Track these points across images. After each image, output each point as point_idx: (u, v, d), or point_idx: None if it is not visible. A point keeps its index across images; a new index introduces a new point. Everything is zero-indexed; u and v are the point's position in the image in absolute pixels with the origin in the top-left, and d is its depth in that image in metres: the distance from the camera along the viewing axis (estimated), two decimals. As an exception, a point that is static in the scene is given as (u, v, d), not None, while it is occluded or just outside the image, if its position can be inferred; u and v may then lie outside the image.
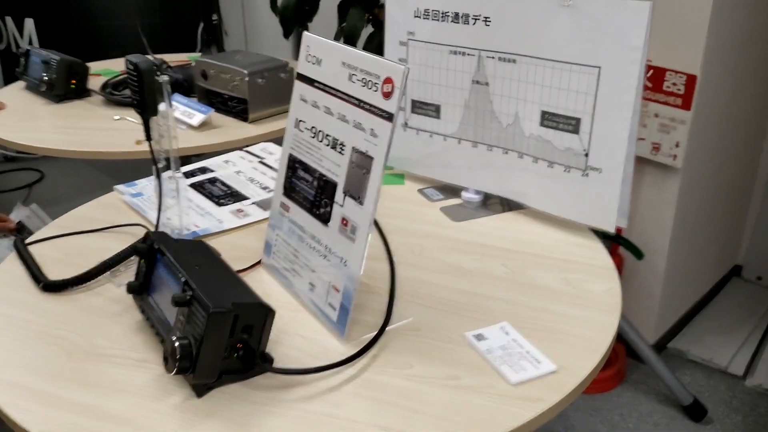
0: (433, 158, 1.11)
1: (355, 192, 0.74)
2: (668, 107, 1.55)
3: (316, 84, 0.81)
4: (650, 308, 1.82)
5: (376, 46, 2.27)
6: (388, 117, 0.70)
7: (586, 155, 0.93)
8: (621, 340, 1.72)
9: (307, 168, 0.82)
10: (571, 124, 0.93)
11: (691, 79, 1.50)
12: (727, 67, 1.65)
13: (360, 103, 0.74)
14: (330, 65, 0.79)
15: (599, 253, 0.93)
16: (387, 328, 0.78)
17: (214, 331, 0.66)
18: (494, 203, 1.07)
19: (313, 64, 0.81)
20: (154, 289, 0.77)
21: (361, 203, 0.73)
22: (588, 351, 0.74)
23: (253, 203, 1.08)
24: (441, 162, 1.10)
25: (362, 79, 0.73)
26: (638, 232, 1.75)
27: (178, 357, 0.65)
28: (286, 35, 2.22)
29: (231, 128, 1.44)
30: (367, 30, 2.14)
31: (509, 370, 0.70)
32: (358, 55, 0.74)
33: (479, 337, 0.76)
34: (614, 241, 1.62)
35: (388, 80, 0.70)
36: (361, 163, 0.73)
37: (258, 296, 0.70)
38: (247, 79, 1.41)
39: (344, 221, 0.75)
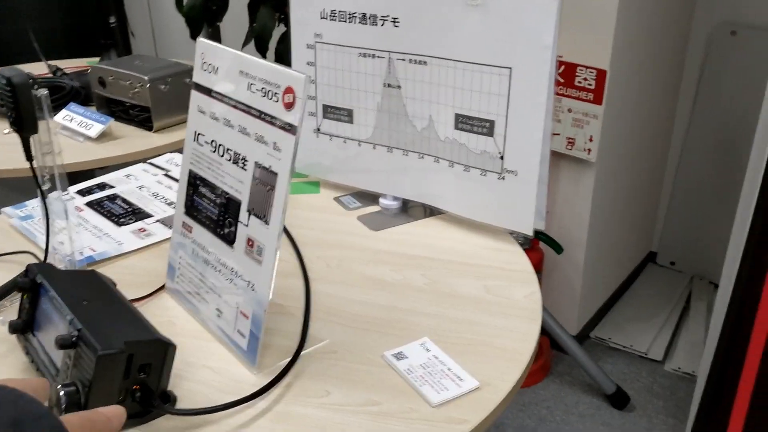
0: (348, 164, 1.07)
1: (260, 210, 0.69)
2: (581, 102, 1.57)
3: (214, 94, 0.75)
4: (572, 299, 1.84)
5: (288, 45, 2.21)
6: (291, 129, 0.65)
7: (502, 158, 0.91)
8: (545, 332, 1.73)
9: (209, 185, 0.76)
10: (486, 127, 0.91)
11: (601, 74, 1.52)
12: (636, 61, 1.68)
13: (261, 115, 0.68)
14: (227, 74, 0.73)
15: (518, 257, 0.91)
16: (302, 353, 0.73)
17: (105, 375, 0.59)
18: (415, 207, 1.04)
19: (210, 72, 0.75)
20: (39, 327, 0.69)
21: (266, 222, 0.68)
22: (511, 363, 0.71)
23: (157, 221, 1.01)
24: (356, 168, 1.06)
25: (262, 89, 0.68)
26: (557, 226, 1.77)
27: (63, 406, 0.58)
28: (194, 36, 2.13)
29: (134, 138, 1.36)
30: (280, 29, 2.08)
31: (431, 391, 0.67)
32: (256, 63, 0.69)
33: (399, 356, 0.72)
34: (534, 237, 1.63)
35: (289, 90, 0.65)
36: (265, 180, 0.68)
37: (155, 330, 0.64)
38: (148, 85, 1.32)
39: (250, 242, 0.70)
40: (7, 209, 1.04)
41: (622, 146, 1.77)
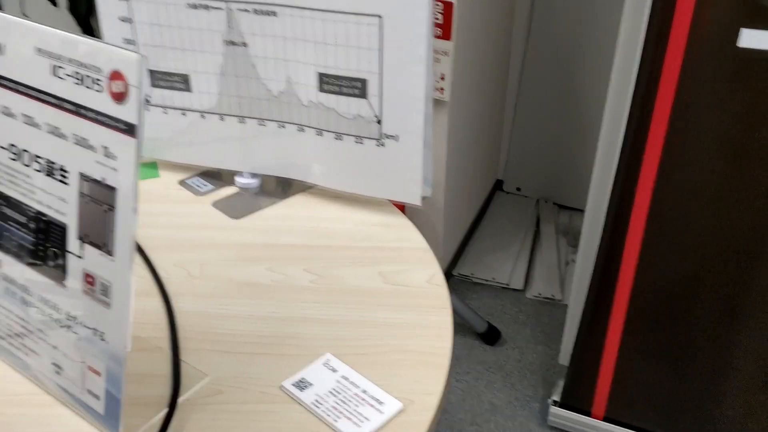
0: (191, 139, 0.89)
1: (98, 237, 0.51)
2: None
3: (2, 81, 0.54)
4: (435, 241, 1.81)
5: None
6: (129, 129, 0.48)
7: (379, 122, 0.79)
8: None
9: (14, 204, 0.56)
10: (357, 87, 0.78)
11: (448, 7, 1.43)
12: (476, -10, 1.61)
13: (79, 110, 0.50)
14: (19, 54, 0.53)
15: (410, 231, 0.81)
16: (178, 402, 0.58)
17: None
18: (277, 184, 0.90)
19: (-9, 51, 0.54)
20: None
21: (109, 253, 0.51)
22: (430, 369, 0.62)
23: (-55, 242, 0.77)
24: (202, 143, 0.89)
25: (75, 73, 0.49)
26: (414, 169, 1.70)
27: None
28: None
29: None
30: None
31: (349, 425, 0.56)
32: (59, 37, 0.50)
33: (301, 385, 0.60)
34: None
35: (116, 75, 0.47)
36: (99, 197, 0.50)
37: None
38: None
39: (89, 279, 0.53)
40: None
41: (470, 81, 1.72)
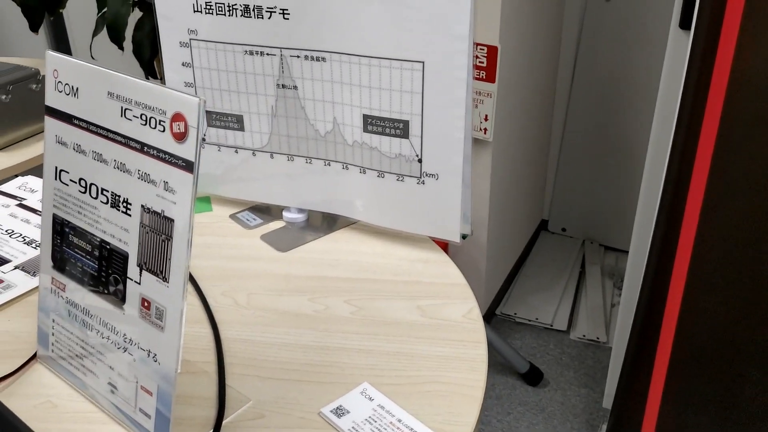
0: (243, 175, 0.94)
1: (155, 265, 0.55)
2: (475, 81, 1.52)
3: (77, 122, 0.60)
4: (478, 280, 1.82)
5: (149, 32, 1.99)
6: (187, 166, 0.52)
7: (420, 161, 0.82)
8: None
9: (81, 233, 0.61)
10: (399, 128, 0.82)
11: (492, 51, 1.47)
12: (521, 35, 1.65)
13: (143, 148, 0.55)
14: (92, 97, 0.58)
15: (448, 267, 0.84)
16: (223, 424, 0.61)
17: None
18: (323, 220, 0.94)
19: (68, 94, 0.60)
20: None
21: (165, 280, 0.55)
22: (463, 399, 0.64)
23: (15, 268, 0.83)
24: (253, 179, 0.94)
25: (141, 115, 0.54)
26: (457, 208, 1.72)
27: None
28: (33, 28, 1.86)
29: (-27, 160, 1.14)
30: (135, 15, 1.86)
31: (384, 452, 0.58)
32: (129, 83, 0.55)
33: (339, 412, 0.62)
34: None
35: (178, 117, 0.52)
36: (158, 227, 0.55)
37: (35, 436, 0.50)
38: (-16, 96, 1.11)
39: (145, 304, 0.57)
40: None
41: (514, 122, 1.75)
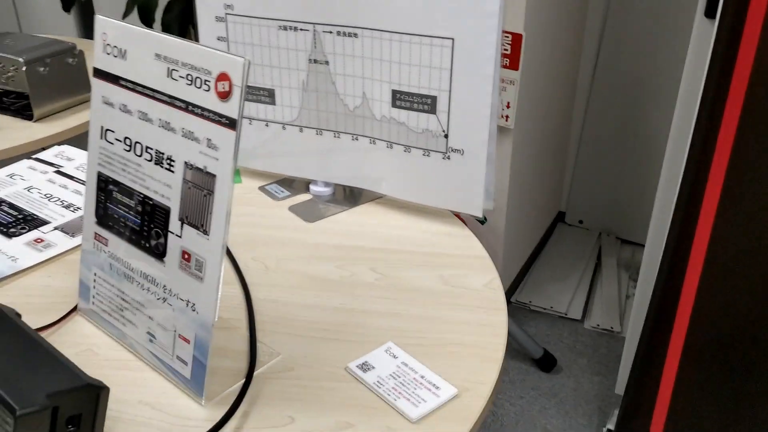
0: (272, 149, 0.97)
1: (196, 219, 0.59)
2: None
3: (123, 82, 0.63)
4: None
5: (177, 15, 2.03)
6: (230, 124, 0.55)
7: (446, 136, 0.85)
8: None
9: (125, 190, 0.65)
10: (427, 104, 0.84)
11: (517, 38, 1.49)
12: (546, 23, 1.66)
13: (188, 107, 0.58)
14: (139, 58, 0.61)
15: (470, 240, 0.86)
16: (254, 374, 0.64)
17: (27, 439, 0.48)
18: (349, 193, 0.96)
19: (116, 56, 0.63)
20: (-73, 381, 0.56)
21: (205, 233, 0.58)
22: (484, 362, 0.66)
23: (55, 228, 0.87)
24: (282, 153, 0.96)
25: (187, 75, 0.57)
26: (477, 194, 1.74)
27: (-23, 483, 0.47)
28: (66, 7, 1.91)
29: (12, 130, 1.18)
30: (166, -2, 1.90)
31: (407, 405, 0.60)
32: (177, 44, 0.58)
33: (365, 367, 0.65)
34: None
35: (223, 77, 0.55)
36: (200, 183, 0.58)
37: (82, 373, 0.53)
38: (24, 68, 1.15)
39: (185, 256, 0.60)
40: None
41: (536, 110, 1.76)
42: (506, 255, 1.84)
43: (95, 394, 0.52)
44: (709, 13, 1.14)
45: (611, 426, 1.42)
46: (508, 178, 1.69)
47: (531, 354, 1.72)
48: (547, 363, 1.71)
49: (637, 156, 2.10)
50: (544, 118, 1.87)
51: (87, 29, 2.54)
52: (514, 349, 1.77)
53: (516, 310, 1.93)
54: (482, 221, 1.60)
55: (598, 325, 1.85)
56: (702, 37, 1.17)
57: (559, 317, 1.89)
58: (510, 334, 1.73)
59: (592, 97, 2.11)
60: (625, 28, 1.97)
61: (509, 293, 1.96)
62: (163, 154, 0.61)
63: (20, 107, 1.20)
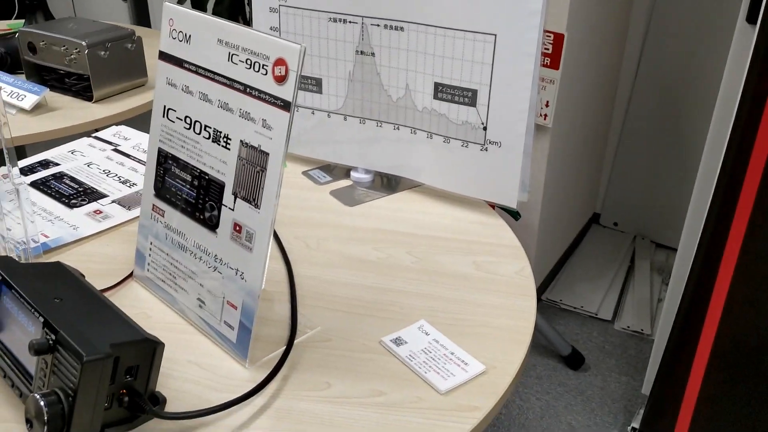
0: (316, 136, 1.01)
1: (249, 194, 0.63)
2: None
3: (187, 65, 0.68)
4: (526, 264, 1.86)
5: (228, 6, 2.09)
6: (284, 106, 0.59)
7: (485, 129, 0.88)
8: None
9: (183, 165, 0.70)
10: (468, 97, 0.87)
11: (558, 38, 1.51)
12: (589, 24, 1.68)
13: (246, 89, 0.62)
14: (203, 43, 0.66)
15: (504, 230, 0.89)
16: (294, 342, 0.69)
17: (91, 383, 0.53)
18: (388, 181, 1.00)
19: (181, 41, 0.68)
20: (1, 327, 0.62)
21: (257, 207, 0.62)
22: (513, 343, 0.69)
23: (112, 201, 0.93)
24: (326, 140, 1.01)
25: (246, 60, 0.62)
26: (512, 191, 1.77)
27: (46, 419, 0.52)
28: (124, -4, 1.98)
29: (72, 110, 1.25)
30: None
31: (437, 378, 0.64)
32: (238, 31, 0.62)
33: (398, 342, 0.69)
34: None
35: (280, 62, 0.59)
36: (254, 160, 0.62)
37: (140, 328, 0.58)
38: (86, 51, 1.21)
39: (237, 227, 0.65)
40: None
41: (574, 111, 1.78)
42: (539, 252, 1.86)
43: (152, 348, 0.57)
44: (751, 18, 1.14)
45: (636, 425, 1.44)
46: (544, 176, 1.71)
47: (559, 351, 1.74)
48: (575, 361, 1.72)
49: (675, 160, 2.09)
50: (583, 118, 1.88)
51: (140, 17, 2.62)
52: (542, 346, 1.79)
53: (546, 307, 1.94)
54: (516, 217, 1.62)
55: (629, 327, 1.86)
56: (743, 41, 1.17)
57: (590, 317, 1.91)
58: (539, 330, 1.75)
59: (632, 99, 2.11)
60: (668, 31, 1.97)
61: (540, 291, 1.98)
62: (220, 132, 0.65)
63: (81, 88, 1.27)
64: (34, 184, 0.96)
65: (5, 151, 0.75)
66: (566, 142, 1.80)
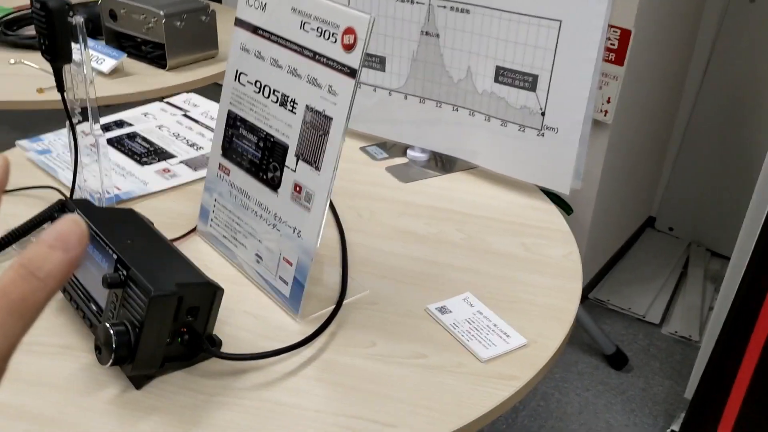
0: (376, 114, 1.04)
1: (311, 157, 0.66)
2: (603, 62, 1.54)
3: (260, 32, 0.71)
4: (575, 261, 1.85)
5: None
6: (351, 73, 0.62)
7: (543, 114, 0.89)
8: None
9: (250, 127, 0.73)
10: (528, 81, 0.89)
11: (625, 34, 1.50)
12: (658, 21, 1.65)
13: (315, 56, 0.65)
14: (277, 11, 0.69)
15: (554, 216, 0.90)
16: (343, 302, 0.72)
17: (156, 317, 0.58)
18: (444, 161, 1.02)
19: (257, 8, 0.72)
20: (77, 266, 0.67)
21: (317, 169, 0.66)
22: (555, 321, 0.71)
23: (180, 162, 0.98)
24: (385, 118, 1.04)
25: (318, 28, 0.65)
26: (566, 186, 1.76)
27: (114, 347, 0.57)
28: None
29: (147, 76, 1.31)
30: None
31: (479, 346, 0.66)
32: (312, 0, 0.66)
33: (443, 310, 0.71)
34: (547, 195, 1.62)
35: (349, 30, 0.62)
36: (318, 124, 0.66)
37: (203, 273, 0.62)
38: (164, 21, 1.27)
39: (297, 188, 0.68)
40: (23, 142, 1.00)
41: (636, 107, 1.76)
42: (588, 249, 1.85)
43: (212, 291, 0.61)
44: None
45: (676, 428, 1.42)
46: (600, 172, 1.70)
47: (603, 350, 1.73)
48: (618, 361, 1.71)
49: (737, 168, 2.04)
50: (645, 118, 1.86)
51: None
52: (586, 343, 1.78)
53: (592, 306, 1.93)
54: (569, 211, 1.62)
55: (676, 332, 1.83)
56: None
57: (637, 319, 1.89)
58: (584, 327, 1.75)
59: (698, 103, 2.06)
60: (741, 38, 1.92)
61: (587, 289, 1.97)
62: (288, 96, 0.69)
63: (155, 56, 1.33)
64: (109, 142, 1.02)
65: (89, 109, 0.80)
66: (625, 140, 1.78)
